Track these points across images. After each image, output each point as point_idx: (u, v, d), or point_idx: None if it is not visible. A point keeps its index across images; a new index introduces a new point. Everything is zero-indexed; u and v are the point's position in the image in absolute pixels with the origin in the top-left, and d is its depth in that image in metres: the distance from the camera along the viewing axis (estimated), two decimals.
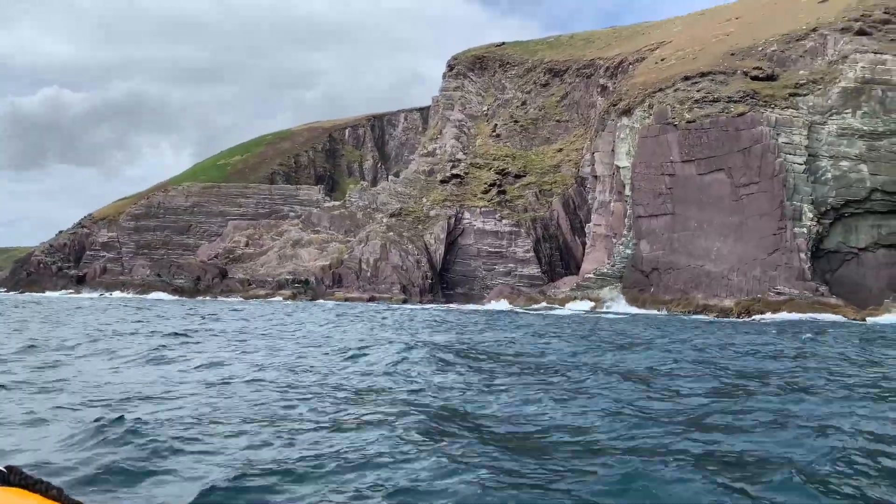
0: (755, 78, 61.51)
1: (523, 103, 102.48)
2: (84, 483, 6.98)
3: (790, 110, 58.37)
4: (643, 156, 64.19)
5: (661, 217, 62.53)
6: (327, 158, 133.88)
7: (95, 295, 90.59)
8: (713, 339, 26.27)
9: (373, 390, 12.71)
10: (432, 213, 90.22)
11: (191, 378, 13.95)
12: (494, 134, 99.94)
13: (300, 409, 10.63)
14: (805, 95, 58.87)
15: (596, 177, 75.49)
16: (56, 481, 2.18)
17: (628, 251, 64.91)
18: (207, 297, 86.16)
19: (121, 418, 9.30)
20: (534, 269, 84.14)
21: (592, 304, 63.09)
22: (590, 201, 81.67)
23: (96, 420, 9.26)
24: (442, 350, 19.69)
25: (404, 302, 78.28)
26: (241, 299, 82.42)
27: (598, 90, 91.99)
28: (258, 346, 20.83)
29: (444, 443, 8.50)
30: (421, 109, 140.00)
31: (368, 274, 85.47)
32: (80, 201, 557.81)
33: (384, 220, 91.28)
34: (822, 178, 57.23)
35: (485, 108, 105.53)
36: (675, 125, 62.50)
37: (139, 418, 9.46)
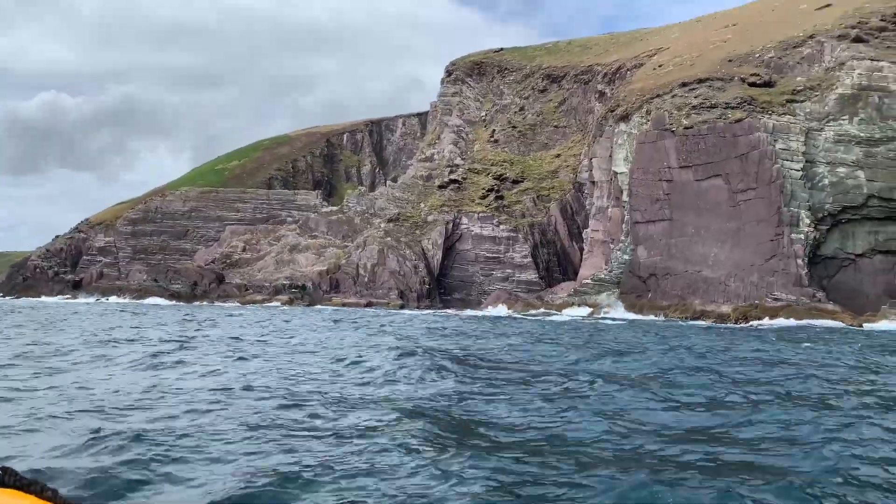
0: (752, 84, 61.70)
1: (521, 109, 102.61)
2: (82, 488, 6.93)
3: (787, 116, 58.54)
4: (641, 162, 64.29)
5: (658, 223, 62.60)
6: (325, 163, 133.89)
7: (92, 300, 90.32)
8: (713, 346, 26.26)
9: (372, 397, 12.67)
10: (430, 218, 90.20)
11: (189, 385, 13.90)
12: (492, 139, 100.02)
13: (300, 417, 10.59)
14: (802, 102, 59.03)
15: (594, 182, 75.55)
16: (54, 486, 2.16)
17: (626, 257, 64.95)
18: (204, 303, 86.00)
19: (119, 426, 9.25)
20: (531, 275, 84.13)
21: (590, 309, 63.08)
22: (587, 207, 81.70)
23: (95, 429, 9.21)
24: (440, 356, 19.65)
25: (402, 307, 78.22)
26: (238, 304, 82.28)
27: (596, 96, 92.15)
28: (255, 353, 20.78)
29: (445, 451, 8.47)
30: (419, 115, 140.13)
31: (366, 279, 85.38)
32: (79, 206, 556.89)
33: (382, 225, 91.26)
34: (820, 184, 57.37)
35: (483, 113, 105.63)
36: (673, 131, 62.63)
37: (138, 426, 9.41)
